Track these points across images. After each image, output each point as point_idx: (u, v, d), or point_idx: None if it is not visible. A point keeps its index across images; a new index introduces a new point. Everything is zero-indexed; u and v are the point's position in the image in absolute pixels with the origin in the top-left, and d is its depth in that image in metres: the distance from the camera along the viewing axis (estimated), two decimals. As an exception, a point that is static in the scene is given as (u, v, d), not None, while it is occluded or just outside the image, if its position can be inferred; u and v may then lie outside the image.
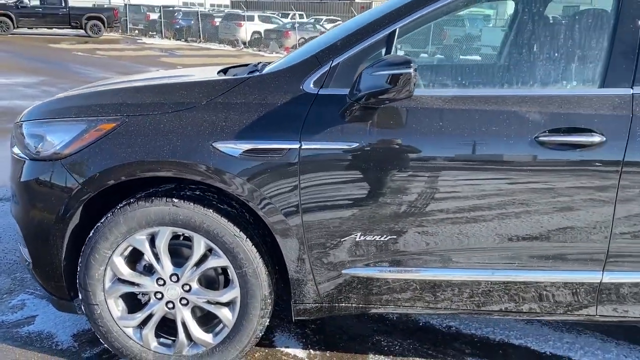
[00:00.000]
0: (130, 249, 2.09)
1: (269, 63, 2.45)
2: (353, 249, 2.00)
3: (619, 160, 1.81)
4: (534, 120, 1.84)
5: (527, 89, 1.95)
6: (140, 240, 2.06)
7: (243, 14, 23.54)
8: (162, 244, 2.05)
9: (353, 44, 1.97)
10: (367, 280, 2.06)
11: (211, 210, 2.00)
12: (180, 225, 2.02)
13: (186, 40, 24.02)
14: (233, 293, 2.08)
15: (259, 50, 21.22)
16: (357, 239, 1.99)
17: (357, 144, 1.89)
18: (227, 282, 2.12)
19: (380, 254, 2.01)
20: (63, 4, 22.13)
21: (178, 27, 25.07)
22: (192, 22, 24.68)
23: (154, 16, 26.62)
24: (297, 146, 1.90)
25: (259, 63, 2.61)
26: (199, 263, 2.07)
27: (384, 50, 1.96)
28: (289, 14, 30.90)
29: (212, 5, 45.84)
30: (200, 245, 2.04)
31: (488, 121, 1.86)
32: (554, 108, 1.85)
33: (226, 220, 2.00)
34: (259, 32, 22.98)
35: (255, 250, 2.03)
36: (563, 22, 2.10)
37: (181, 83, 2.19)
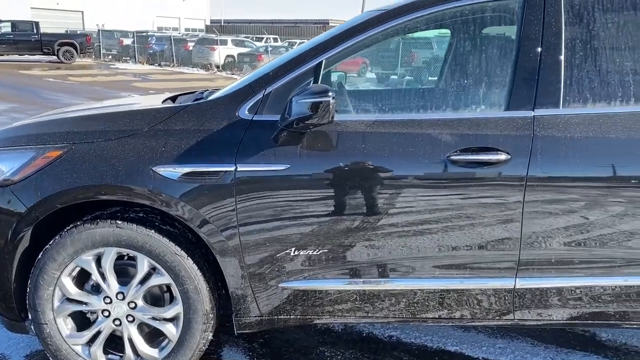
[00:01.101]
0: (78, 269, 2.20)
1: (217, 90, 2.60)
2: (288, 264, 2.14)
3: (523, 176, 2.00)
4: (446, 141, 2.02)
5: (441, 112, 2.13)
6: (87, 260, 2.17)
7: (216, 38, 23.84)
8: (108, 264, 2.16)
9: (284, 74, 2.14)
10: (302, 292, 2.19)
11: (153, 231, 2.12)
12: (124, 246, 2.14)
13: (160, 65, 24.15)
14: (176, 309, 2.20)
15: (232, 74, 21.44)
16: (292, 254, 2.13)
17: (289, 166, 2.05)
18: (173, 299, 2.23)
19: (314, 268, 2.15)
20: (35, 31, 22.16)
21: (151, 52, 25.22)
22: (166, 46, 24.87)
23: (127, 41, 26.74)
24: (232, 169, 2.05)
25: (205, 90, 2.77)
26: (143, 281, 2.19)
27: (312, 79, 2.13)
28: (262, 37, 31.32)
29: (186, 29, 46.19)
30: (143, 264, 2.16)
31: (405, 143, 2.03)
32: (464, 130, 2.03)
33: (167, 240, 2.13)
34: (232, 56, 23.26)
35: (196, 267, 2.16)
36: (473, 50, 2.31)
37: (124, 111, 2.33)
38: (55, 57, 22.35)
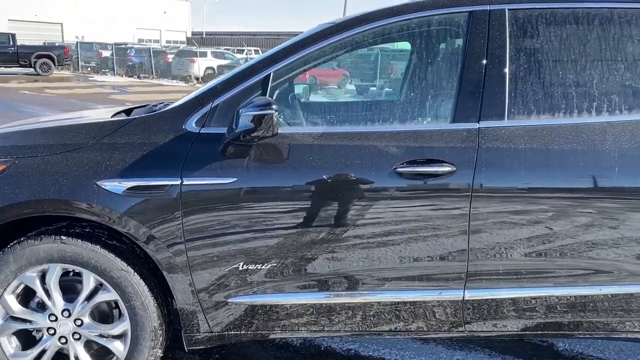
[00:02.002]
0: (22, 286, 2.15)
1: (171, 103, 2.58)
2: (237, 279, 2.12)
3: (468, 187, 2.00)
4: (393, 153, 2.02)
5: (388, 125, 2.14)
6: (31, 277, 2.12)
7: (196, 50, 23.79)
8: (52, 280, 2.12)
9: (232, 86, 2.13)
10: (253, 308, 2.16)
11: (99, 247, 2.09)
12: (69, 262, 2.10)
13: (139, 77, 24.00)
14: (123, 326, 2.16)
15: (212, 86, 21.32)
16: (241, 269, 2.11)
17: (236, 179, 2.03)
18: (121, 315, 2.19)
19: (264, 282, 2.12)
20: (11, 43, 21.90)
21: (131, 64, 25.06)
22: (145, 58, 24.75)
23: (106, 53, 26.57)
24: (178, 182, 2.02)
25: (160, 103, 2.75)
26: (89, 298, 2.15)
27: (260, 92, 2.12)
28: (244, 49, 31.34)
29: (168, 41, 46.07)
30: (89, 280, 2.12)
31: (352, 155, 2.03)
32: (410, 142, 2.04)
33: (113, 256, 2.09)
34: (212, 68, 23.21)
35: (143, 283, 2.12)
36: (420, 63, 2.32)
37: (70, 125, 2.29)
38: (32, 70, 22.09)
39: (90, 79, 22.78)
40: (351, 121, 2.31)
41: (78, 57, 26.79)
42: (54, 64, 22.45)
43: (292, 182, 2.04)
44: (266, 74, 2.12)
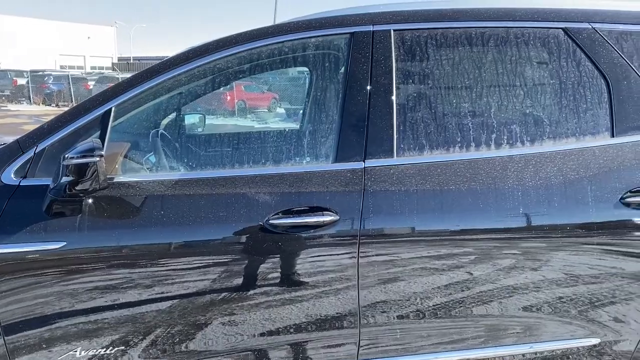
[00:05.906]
0: None
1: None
2: (75, 367, 1.68)
3: (354, 239, 1.67)
4: (265, 202, 1.67)
5: (259, 167, 1.78)
6: None
7: (117, 76, 22.83)
8: None
9: (62, 125, 1.72)
10: (100, 401, 1.73)
11: None
12: None
13: (57, 105, 22.67)
14: None
15: (136, 113, 20.44)
16: (79, 356, 1.67)
17: (65, 244, 1.61)
18: None
19: (111, 368, 1.70)
20: None
21: (48, 91, 23.67)
22: (64, 86, 23.45)
23: (22, 81, 24.98)
24: (-14, 251, 1.57)
25: (2, 144, 2.27)
26: None
27: (99, 132, 1.72)
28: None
29: (92, 67, 44.32)
30: None
31: (215, 206, 1.66)
32: (285, 187, 1.69)
33: None
34: (136, 94, 22.29)
35: (-52, 382, 1.64)
36: (295, 93, 2.01)
37: None
38: (-64, 100, 20.41)
39: (3, 108, 21.29)
40: (215, 163, 1.94)
41: (-10, 86, 25.05)
42: (-38, 94, 20.86)
43: (137, 243, 1.64)
44: (105, 109, 1.73)
